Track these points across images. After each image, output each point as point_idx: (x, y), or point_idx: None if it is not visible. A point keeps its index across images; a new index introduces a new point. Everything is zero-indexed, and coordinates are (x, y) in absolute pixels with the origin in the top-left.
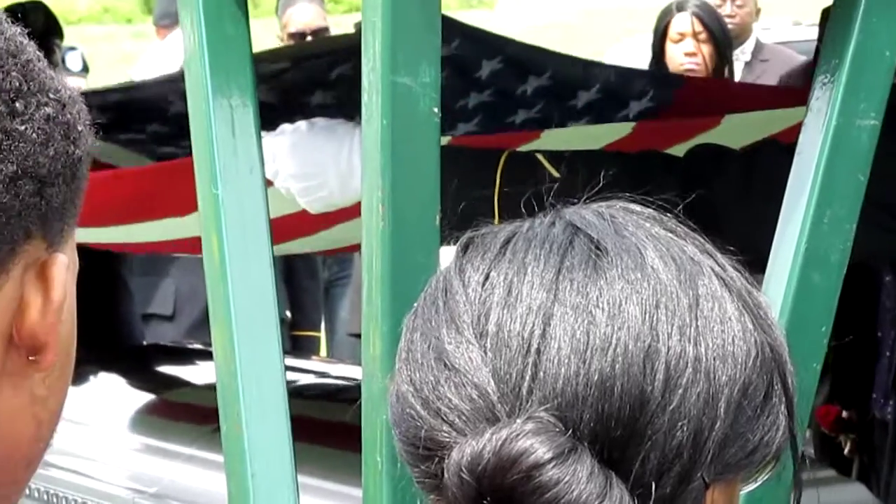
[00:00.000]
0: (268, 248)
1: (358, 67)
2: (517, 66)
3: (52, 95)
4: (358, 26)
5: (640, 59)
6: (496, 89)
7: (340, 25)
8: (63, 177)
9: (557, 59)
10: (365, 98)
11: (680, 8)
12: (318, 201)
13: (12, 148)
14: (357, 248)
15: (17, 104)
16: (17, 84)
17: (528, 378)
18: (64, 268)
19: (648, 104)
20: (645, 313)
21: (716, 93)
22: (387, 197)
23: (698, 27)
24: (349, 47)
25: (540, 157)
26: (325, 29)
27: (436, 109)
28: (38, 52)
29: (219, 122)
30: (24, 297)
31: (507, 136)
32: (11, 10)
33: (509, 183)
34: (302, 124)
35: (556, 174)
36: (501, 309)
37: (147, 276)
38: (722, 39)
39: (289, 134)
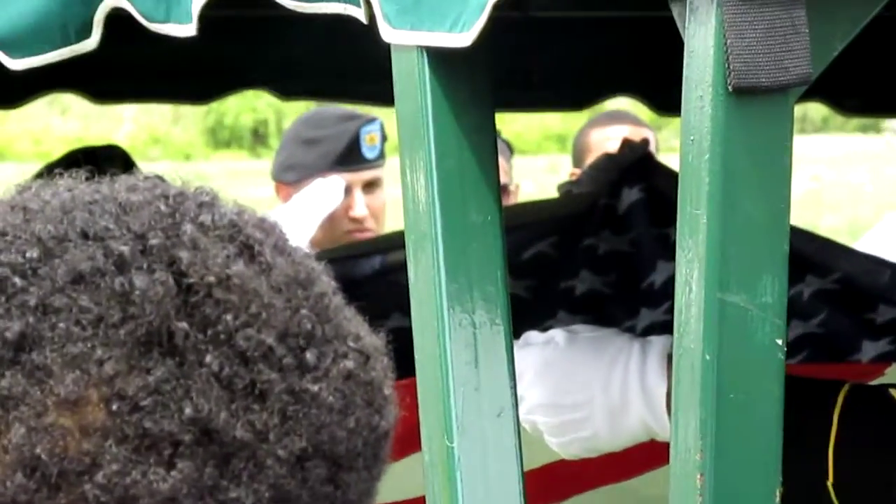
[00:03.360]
0: None
1: (560, 245)
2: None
3: (352, 344)
4: (562, 187)
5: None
6: None
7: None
8: (364, 458)
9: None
10: (678, 322)
11: None
12: (575, 443)
13: (301, 416)
14: None
15: (309, 354)
16: (309, 327)
17: None
18: None
19: None
20: None
21: None
22: (707, 464)
23: None
24: (549, 218)
25: (893, 392)
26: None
27: (780, 341)
28: (333, 283)
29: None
30: None
31: (844, 368)
32: (85, 153)
33: (850, 425)
34: (558, 334)
35: None
36: None
37: None
38: None
39: (539, 347)
